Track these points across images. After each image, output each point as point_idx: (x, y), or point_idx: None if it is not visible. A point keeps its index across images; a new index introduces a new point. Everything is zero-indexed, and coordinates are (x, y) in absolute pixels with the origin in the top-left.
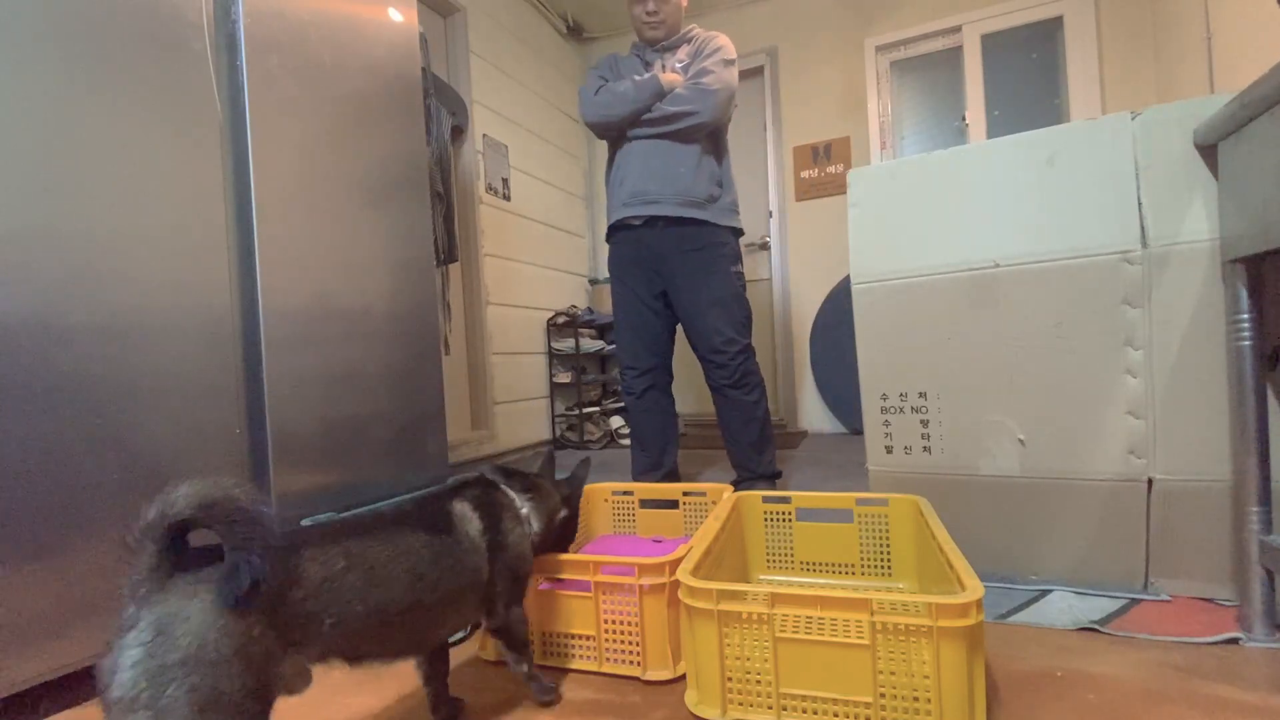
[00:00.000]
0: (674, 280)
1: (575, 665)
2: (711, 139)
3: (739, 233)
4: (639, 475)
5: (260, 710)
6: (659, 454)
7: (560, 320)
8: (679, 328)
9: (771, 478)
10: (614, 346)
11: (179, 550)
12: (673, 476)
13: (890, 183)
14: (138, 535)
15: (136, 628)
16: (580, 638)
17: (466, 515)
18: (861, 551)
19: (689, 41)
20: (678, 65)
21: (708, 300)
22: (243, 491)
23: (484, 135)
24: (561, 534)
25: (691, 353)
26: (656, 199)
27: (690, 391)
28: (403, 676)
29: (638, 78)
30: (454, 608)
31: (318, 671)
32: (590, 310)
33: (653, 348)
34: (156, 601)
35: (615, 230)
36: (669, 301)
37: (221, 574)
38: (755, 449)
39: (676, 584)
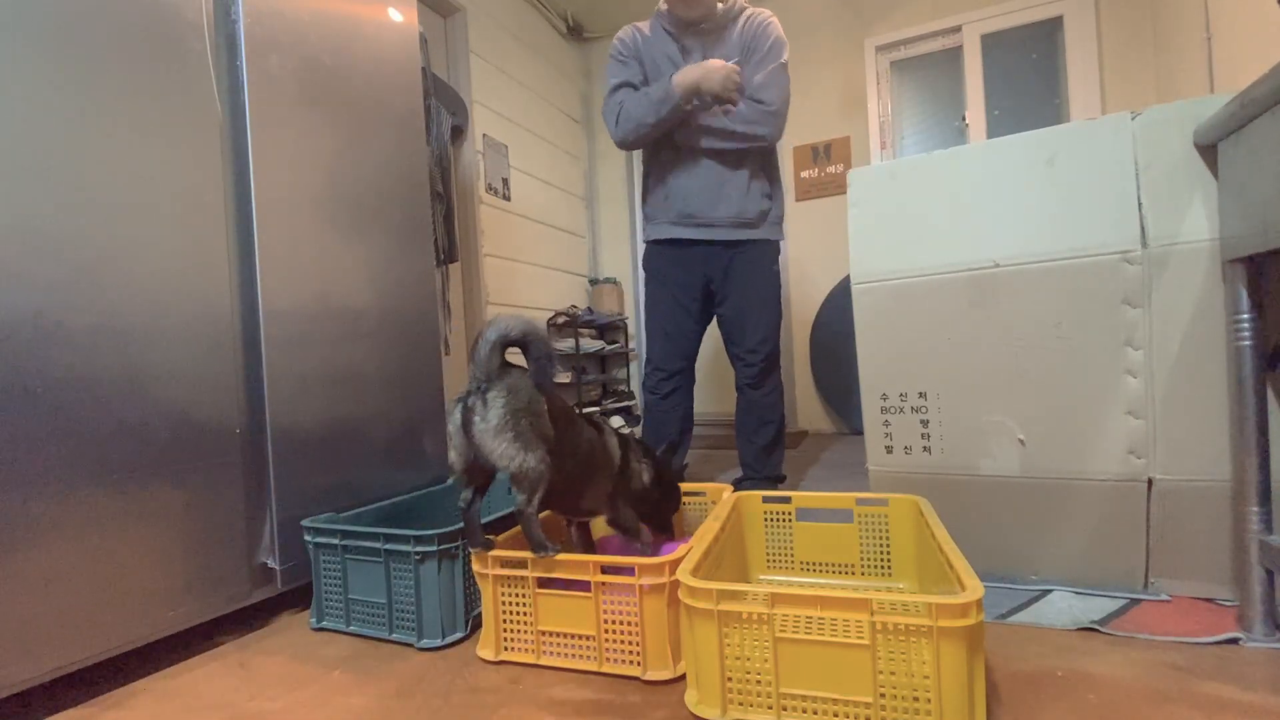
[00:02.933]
0: (720, 278)
1: (575, 665)
2: (763, 152)
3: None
4: None
5: (548, 447)
6: (669, 449)
7: (560, 320)
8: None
9: (775, 480)
10: (614, 347)
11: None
12: (678, 476)
13: (890, 183)
14: (490, 346)
15: (495, 390)
16: (580, 638)
17: (610, 434)
18: (861, 551)
19: (735, 21)
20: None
21: (751, 300)
22: (541, 329)
23: (484, 135)
24: (658, 509)
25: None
26: (709, 223)
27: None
28: (401, 676)
29: (651, 92)
30: (596, 486)
31: (317, 673)
32: (590, 310)
33: (684, 351)
34: (503, 379)
35: (660, 240)
36: (706, 305)
37: (533, 370)
38: (766, 451)
39: (676, 584)
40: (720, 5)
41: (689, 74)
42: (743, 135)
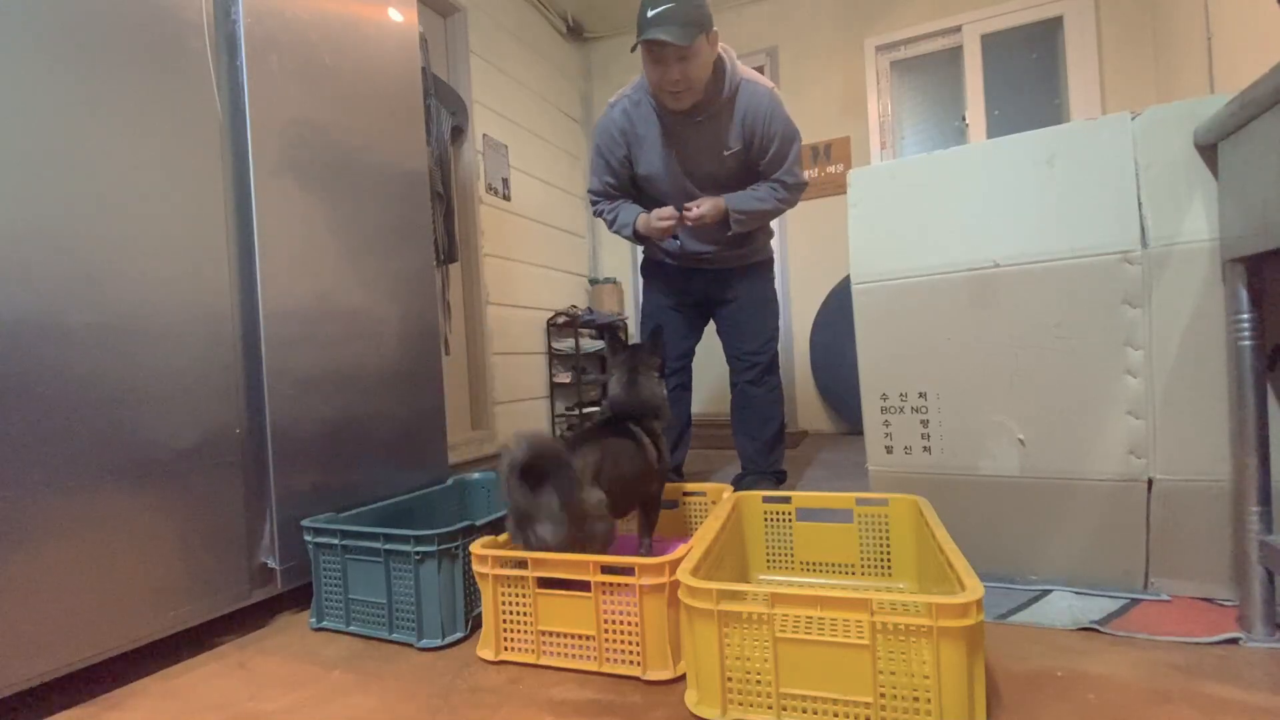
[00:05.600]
0: (719, 293)
1: (575, 665)
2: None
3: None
4: None
5: (609, 503)
6: (671, 447)
7: (560, 320)
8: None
9: (779, 476)
10: None
11: (527, 474)
12: (678, 471)
13: (890, 183)
14: (506, 480)
15: (542, 525)
16: (580, 638)
17: (644, 440)
18: (861, 551)
19: (732, 102)
20: (726, 154)
21: (751, 306)
22: (549, 443)
23: (484, 135)
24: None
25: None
26: (707, 258)
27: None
28: (403, 677)
29: (624, 225)
30: (638, 486)
31: (317, 673)
32: (590, 310)
33: (683, 348)
34: (538, 503)
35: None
36: (704, 310)
37: (557, 491)
38: (769, 446)
39: (676, 584)
40: (713, 88)
41: (641, 222)
42: (778, 211)
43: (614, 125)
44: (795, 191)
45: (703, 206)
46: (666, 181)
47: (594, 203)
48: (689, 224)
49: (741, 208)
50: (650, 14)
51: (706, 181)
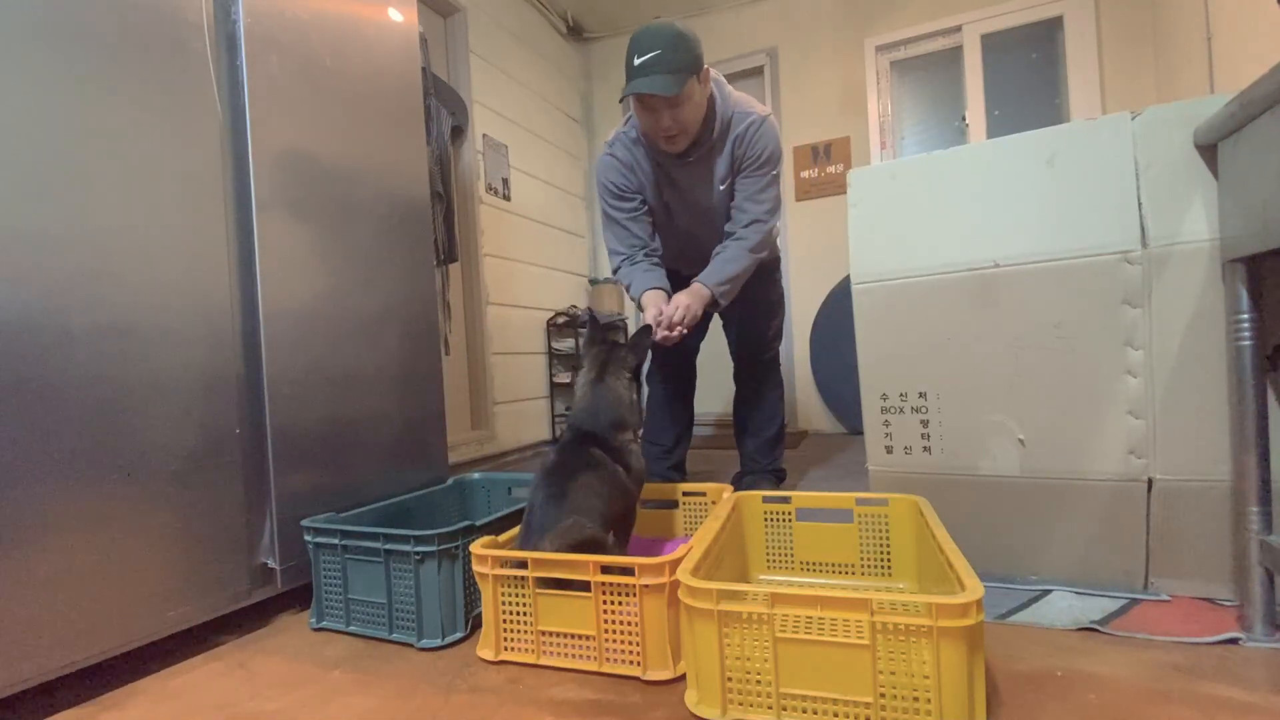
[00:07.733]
0: None
1: (575, 665)
2: None
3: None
4: (649, 462)
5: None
6: (673, 444)
7: (560, 320)
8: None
9: (778, 475)
10: None
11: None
12: (680, 469)
13: (890, 183)
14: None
15: (549, 540)
16: (580, 638)
17: (612, 468)
18: (861, 551)
19: (726, 136)
20: (722, 187)
21: (757, 305)
22: (590, 531)
23: (484, 135)
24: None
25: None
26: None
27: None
28: (403, 677)
29: (630, 290)
30: (617, 505)
31: (317, 673)
32: (590, 310)
33: (688, 346)
34: (555, 529)
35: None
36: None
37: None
38: (770, 444)
39: (676, 584)
40: (706, 125)
41: (646, 309)
42: (755, 262)
43: (619, 162)
44: (763, 227)
45: (690, 309)
46: (663, 218)
47: (616, 268)
48: (684, 330)
49: (721, 280)
50: (637, 62)
51: (702, 215)
